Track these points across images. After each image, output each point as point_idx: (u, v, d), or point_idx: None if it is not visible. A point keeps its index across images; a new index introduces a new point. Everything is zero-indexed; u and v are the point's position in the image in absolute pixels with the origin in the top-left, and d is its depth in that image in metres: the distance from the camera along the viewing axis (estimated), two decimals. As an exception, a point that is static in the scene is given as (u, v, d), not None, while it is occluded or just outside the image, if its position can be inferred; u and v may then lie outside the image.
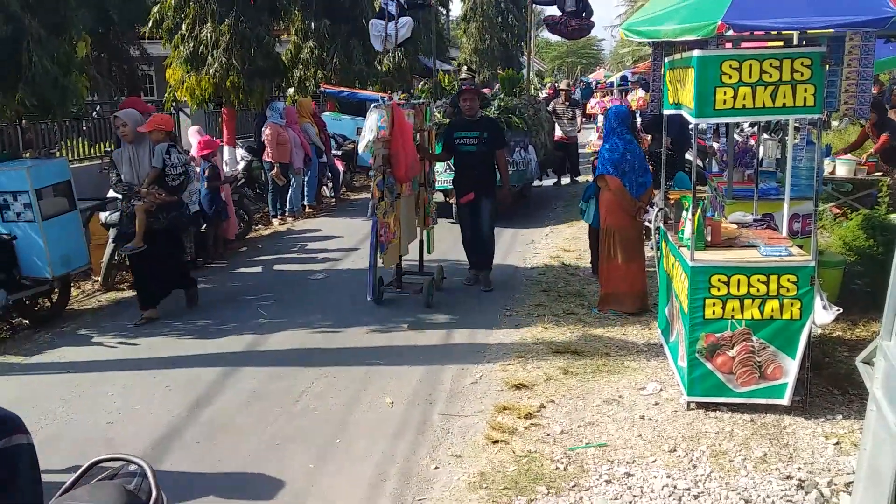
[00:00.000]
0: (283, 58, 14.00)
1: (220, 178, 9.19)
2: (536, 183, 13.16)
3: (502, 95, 11.99)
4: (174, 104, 12.91)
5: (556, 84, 21.02)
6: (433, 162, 7.90)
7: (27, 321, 6.97)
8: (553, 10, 13.73)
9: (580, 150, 15.77)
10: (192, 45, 10.88)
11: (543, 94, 19.45)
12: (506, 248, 9.35)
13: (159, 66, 18.28)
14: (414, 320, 6.74)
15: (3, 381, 5.62)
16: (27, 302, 6.95)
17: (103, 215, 8.12)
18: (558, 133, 14.39)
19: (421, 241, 7.72)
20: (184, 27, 10.88)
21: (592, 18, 13.15)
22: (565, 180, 15.19)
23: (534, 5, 14.80)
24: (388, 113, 6.36)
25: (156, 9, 11.21)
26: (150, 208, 6.56)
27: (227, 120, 12.07)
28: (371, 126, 6.25)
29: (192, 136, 9.41)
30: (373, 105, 6.50)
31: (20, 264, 6.77)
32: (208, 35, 10.75)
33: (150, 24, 11.21)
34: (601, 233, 6.82)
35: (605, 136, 6.87)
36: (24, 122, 10.36)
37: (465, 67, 13.68)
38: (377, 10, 14.52)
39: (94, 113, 15.19)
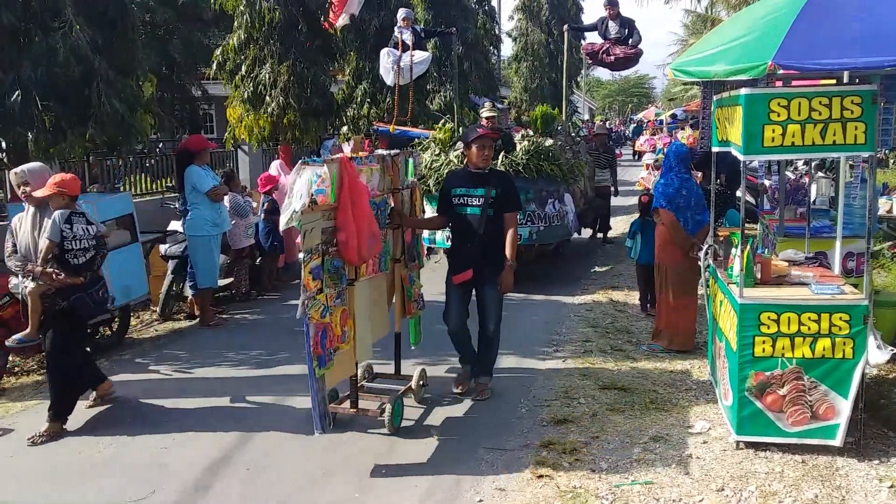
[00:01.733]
0: (338, 97, 14.36)
1: (278, 213, 9.48)
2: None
3: (531, 135, 10.00)
4: (234, 142, 13.34)
5: (600, 125, 18.70)
6: (419, 231, 6.16)
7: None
8: (594, 37, 12.26)
9: (619, 200, 14.21)
10: (251, 85, 11.27)
11: (584, 132, 17.75)
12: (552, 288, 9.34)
13: (219, 105, 18.95)
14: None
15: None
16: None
17: (163, 247, 8.47)
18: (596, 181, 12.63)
19: (398, 335, 5.84)
20: (244, 68, 11.29)
21: (641, 46, 11.48)
22: (599, 234, 13.28)
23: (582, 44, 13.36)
24: (334, 171, 4.46)
25: (218, 51, 11.67)
26: (46, 291, 5.32)
27: (282, 157, 12.42)
28: (300, 190, 4.32)
29: (273, 171, 10.53)
30: (302, 160, 4.55)
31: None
32: (267, 76, 11.13)
33: (213, 65, 11.66)
34: (655, 268, 6.82)
35: (662, 173, 6.92)
36: (91, 158, 10.86)
37: (488, 103, 10.71)
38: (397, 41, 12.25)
39: (158, 150, 15.80)
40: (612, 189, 13.08)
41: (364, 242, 4.69)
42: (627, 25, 11.37)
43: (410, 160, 5.81)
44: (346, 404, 5.17)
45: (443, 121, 11.70)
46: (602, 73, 73.25)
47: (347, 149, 4.80)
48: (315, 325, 4.39)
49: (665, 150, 9.34)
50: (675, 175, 6.62)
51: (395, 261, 5.66)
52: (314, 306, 4.38)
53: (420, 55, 11.82)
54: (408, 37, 11.67)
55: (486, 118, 9.22)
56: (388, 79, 12.08)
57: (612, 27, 11.36)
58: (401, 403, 5.27)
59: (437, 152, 9.57)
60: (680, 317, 6.63)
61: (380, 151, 5.24)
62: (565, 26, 12.44)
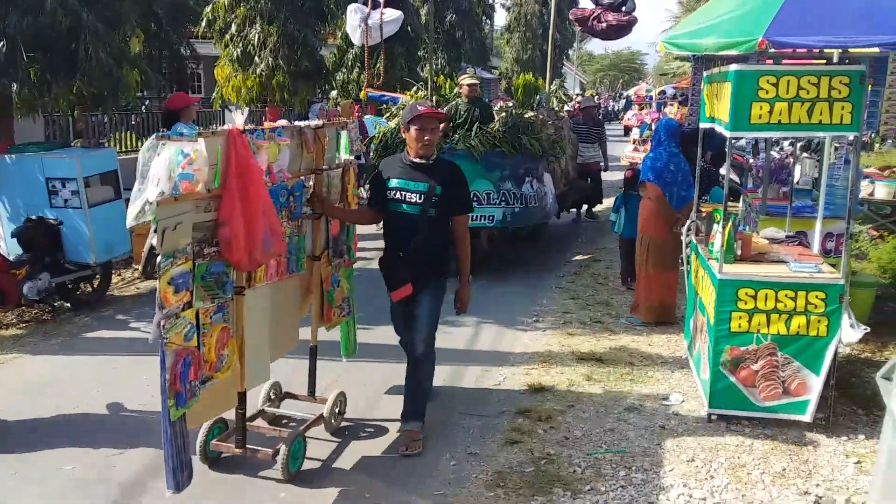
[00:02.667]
0: (328, 60, 14.23)
1: None
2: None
3: (510, 106, 9.58)
4: (221, 102, 13.21)
5: (588, 97, 16.95)
6: (348, 222, 4.87)
7: (68, 304, 7.20)
8: (586, 2, 11.64)
9: (610, 178, 13.46)
10: (240, 44, 11.15)
11: (568, 107, 16.60)
12: (535, 267, 9.38)
13: (208, 64, 18.73)
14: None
15: (43, 361, 5.84)
16: (69, 286, 7.18)
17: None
18: (580, 159, 11.70)
19: (313, 349, 4.72)
20: (234, 27, 11.16)
21: (635, 14, 10.70)
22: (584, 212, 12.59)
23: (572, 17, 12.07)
24: (218, 148, 3.40)
25: (208, 8, 11.52)
26: None
27: (270, 119, 12.32)
28: (158, 173, 3.34)
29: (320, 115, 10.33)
30: (158, 134, 3.51)
31: (65, 249, 7.01)
32: (257, 36, 11.01)
33: (202, 23, 11.51)
34: (637, 241, 6.86)
35: (652, 147, 6.93)
36: (76, 112, 10.72)
37: (470, 69, 10.08)
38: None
39: (143, 107, 15.62)
40: (602, 165, 12.23)
41: (257, 241, 3.56)
42: None
43: (344, 134, 4.77)
44: (233, 441, 4.02)
45: (416, 87, 11.14)
46: (594, 47, 72.97)
47: (240, 119, 3.69)
48: (174, 352, 3.25)
49: (653, 125, 9.35)
50: (664, 150, 6.62)
51: (314, 258, 4.56)
52: (175, 327, 3.25)
53: (391, 13, 11.09)
54: None
55: (468, 85, 8.69)
56: (356, 38, 11.38)
57: None
58: (301, 443, 4.14)
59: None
60: (659, 291, 6.68)
61: (298, 123, 4.27)
62: None
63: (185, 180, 3.34)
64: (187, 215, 3.29)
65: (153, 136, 3.42)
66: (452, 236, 4.42)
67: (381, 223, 4.57)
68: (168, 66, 18.98)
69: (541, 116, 9.33)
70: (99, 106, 9.05)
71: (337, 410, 4.65)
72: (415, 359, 4.46)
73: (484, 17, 23.96)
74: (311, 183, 4.44)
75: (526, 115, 8.86)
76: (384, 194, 4.38)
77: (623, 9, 10.60)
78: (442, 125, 8.62)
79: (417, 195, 4.28)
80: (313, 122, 4.39)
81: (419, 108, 4.31)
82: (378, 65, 12.49)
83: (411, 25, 15.88)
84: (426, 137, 4.26)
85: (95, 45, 7.55)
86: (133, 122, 13.81)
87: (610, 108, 43.12)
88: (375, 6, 10.89)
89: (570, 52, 43.07)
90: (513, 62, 29.05)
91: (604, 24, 10.54)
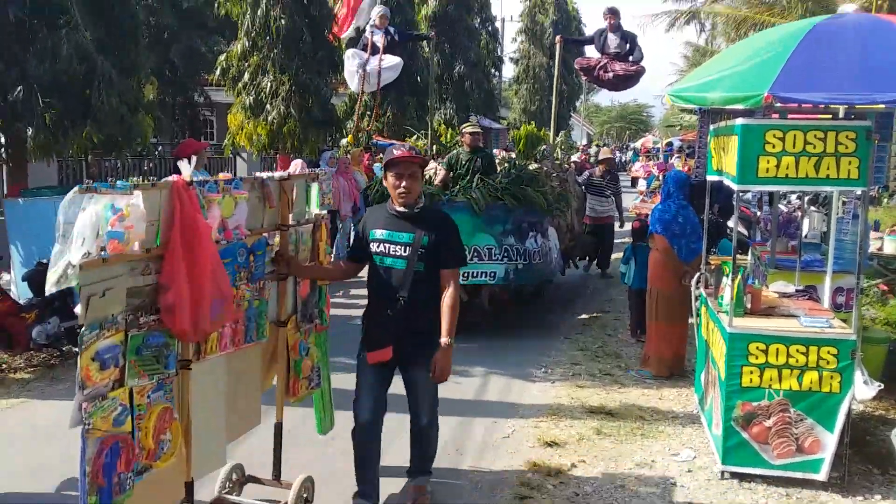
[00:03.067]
0: (339, 109, 14.43)
1: None
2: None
3: (513, 157, 9.52)
4: (233, 149, 13.38)
5: (591, 148, 16.78)
6: (320, 280, 4.37)
7: (77, 349, 7.18)
8: (592, 51, 11.00)
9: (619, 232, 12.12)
10: (253, 92, 11.32)
11: (575, 158, 16.05)
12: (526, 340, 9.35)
13: (221, 112, 19.02)
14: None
15: (51, 406, 5.81)
16: (77, 329, 7.16)
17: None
18: (589, 212, 11.25)
19: (278, 425, 4.16)
20: (246, 76, 11.35)
21: (643, 64, 10.24)
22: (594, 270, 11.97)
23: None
24: (157, 202, 3.03)
25: (222, 57, 11.73)
26: None
27: (281, 166, 12.44)
28: (83, 231, 2.88)
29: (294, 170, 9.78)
30: (81, 186, 2.90)
31: (74, 293, 7.01)
32: (269, 84, 11.19)
33: (217, 71, 11.72)
34: (647, 293, 6.83)
35: (661, 199, 6.96)
36: (89, 157, 10.86)
37: (473, 118, 9.80)
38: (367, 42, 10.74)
39: (157, 152, 15.82)
40: (617, 218, 11.73)
41: (204, 308, 3.14)
42: (629, 39, 10.13)
43: (315, 186, 4.28)
44: None
45: (415, 135, 10.98)
46: (601, 98, 73.96)
47: (187, 170, 3.34)
48: (98, 441, 2.81)
49: (661, 176, 9.40)
50: (673, 202, 6.65)
51: (280, 324, 4.03)
52: (101, 410, 2.82)
53: (390, 60, 10.55)
54: (379, 38, 10.48)
55: (470, 134, 8.59)
56: (353, 84, 10.85)
57: (612, 40, 10.10)
58: None
59: None
60: (669, 344, 6.64)
61: (259, 174, 3.87)
62: (558, 37, 11.21)
63: (113, 239, 2.85)
64: (119, 279, 2.86)
65: (76, 187, 2.85)
66: (442, 292, 3.92)
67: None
68: (181, 113, 19.30)
69: (545, 168, 9.05)
70: (112, 151, 9.17)
71: (305, 497, 4.01)
72: (421, 431, 4.17)
73: (492, 69, 24.32)
74: (276, 240, 3.96)
75: (530, 167, 8.57)
76: (367, 246, 4.00)
77: (630, 58, 10.09)
78: (440, 175, 8.40)
79: (402, 247, 3.89)
80: (277, 174, 3.98)
81: (395, 151, 3.97)
82: (371, 113, 12.61)
83: (421, 76, 16.14)
84: (403, 184, 3.85)
85: (109, 91, 7.68)
86: (146, 168, 13.98)
87: (617, 159, 43.54)
88: (375, 52, 10.47)
89: (577, 103, 43.59)
90: (521, 113, 29.42)
91: (610, 74, 10.01)
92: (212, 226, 3.25)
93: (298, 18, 11.04)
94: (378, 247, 3.96)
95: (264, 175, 3.90)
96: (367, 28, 10.44)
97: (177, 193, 3.06)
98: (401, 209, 3.93)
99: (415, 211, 3.93)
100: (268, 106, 11.28)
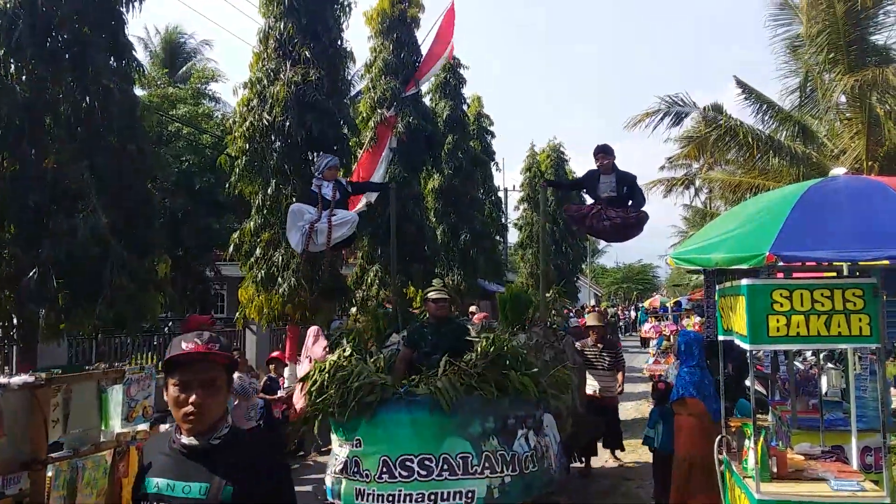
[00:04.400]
0: (349, 279, 14.69)
1: (272, 391, 9.56)
2: None
3: (496, 330, 7.13)
4: (243, 322, 13.49)
5: (595, 313, 14.29)
6: None
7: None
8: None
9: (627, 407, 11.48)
10: (264, 266, 11.58)
11: (574, 320, 14.81)
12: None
13: (231, 285, 19.35)
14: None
15: None
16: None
17: (163, 427, 8.28)
18: (589, 390, 9.21)
19: None
20: (258, 251, 11.66)
21: (644, 209, 8.31)
22: (598, 459, 9.63)
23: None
24: None
25: (235, 234, 12.12)
26: None
27: (290, 337, 12.48)
28: None
29: (310, 339, 9.24)
30: None
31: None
32: (280, 258, 11.47)
33: (231, 248, 12.07)
34: (677, 461, 6.41)
35: (684, 362, 6.75)
36: (99, 335, 10.94)
37: (437, 281, 7.39)
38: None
39: (166, 328, 15.95)
40: (619, 391, 9.95)
41: None
42: (626, 182, 8.23)
43: (116, 390, 2.97)
44: None
45: (385, 299, 9.89)
46: (607, 260, 75.19)
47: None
48: None
49: (672, 337, 9.33)
50: (697, 364, 6.53)
51: None
52: None
53: (342, 215, 8.65)
54: (329, 191, 8.61)
55: (434, 301, 6.60)
56: (295, 242, 8.61)
57: (606, 183, 8.22)
58: None
59: (346, 352, 6.32)
60: None
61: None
62: (542, 181, 9.80)
63: None
64: None
65: None
66: None
67: None
68: (191, 289, 19.64)
69: (535, 338, 7.15)
70: (122, 329, 9.24)
71: None
72: None
73: (497, 236, 24.99)
74: (25, 484, 2.53)
75: (514, 342, 6.37)
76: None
77: (630, 203, 8.23)
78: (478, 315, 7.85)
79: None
80: (17, 380, 2.62)
81: (182, 345, 2.45)
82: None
83: (428, 245, 16.53)
84: (192, 398, 2.39)
85: (121, 271, 7.86)
86: (154, 343, 14.02)
87: (629, 319, 43.47)
88: (325, 207, 8.55)
89: (583, 265, 44.34)
90: (527, 276, 29.87)
91: (606, 223, 8.20)
92: None
93: (308, 195, 11.49)
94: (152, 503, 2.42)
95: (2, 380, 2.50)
96: (314, 181, 8.83)
97: None
98: (188, 441, 2.43)
99: (211, 443, 2.44)
100: (279, 279, 11.50)
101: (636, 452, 9.87)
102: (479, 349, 6.00)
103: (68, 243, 7.57)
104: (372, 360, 6.25)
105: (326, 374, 5.93)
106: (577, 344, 9.41)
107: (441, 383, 5.61)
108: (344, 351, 6.36)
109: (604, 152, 8.24)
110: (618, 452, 10.02)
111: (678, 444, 6.49)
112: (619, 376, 9.79)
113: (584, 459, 9.21)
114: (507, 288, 8.20)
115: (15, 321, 8.65)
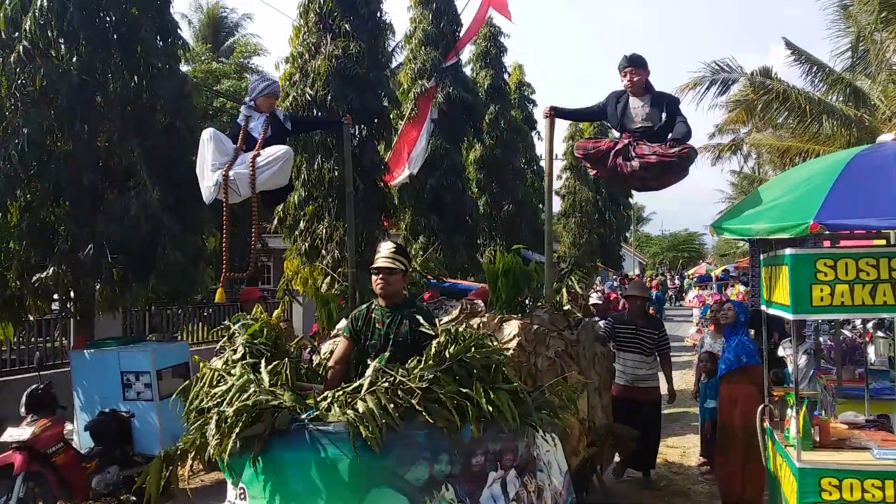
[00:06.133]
0: (391, 251, 14.85)
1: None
2: None
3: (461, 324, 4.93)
4: (286, 292, 13.77)
5: (636, 281, 11.69)
6: None
7: (134, 498, 7.19)
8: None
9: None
10: (308, 239, 11.78)
11: (597, 297, 12.71)
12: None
13: (277, 257, 19.71)
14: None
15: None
16: (136, 478, 7.21)
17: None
18: (619, 379, 7.18)
19: None
20: (302, 224, 11.85)
21: (691, 143, 5.89)
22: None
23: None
24: None
25: (279, 208, 12.33)
26: None
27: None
28: None
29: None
30: None
31: (134, 441, 7.13)
32: (324, 231, 11.65)
33: (275, 221, 12.30)
34: (735, 430, 6.29)
35: (738, 332, 6.54)
36: (152, 307, 11.29)
37: (388, 243, 4.70)
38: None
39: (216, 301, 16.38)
40: (668, 393, 7.47)
41: None
42: (664, 107, 5.91)
43: None
44: None
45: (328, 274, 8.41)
46: (652, 228, 74.15)
47: None
48: None
49: (713, 306, 9.19)
50: (745, 334, 6.48)
51: None
52: None
53: (270, 153, 6.09)
54: (258, 126, 6.28)
55: (377, 272, 4.45)
56: (207, 193, 6.23)
57: (636, 108, 5.93)
58: None
59: (233, 357, 4.31)
60: (760, 483, 6.06)
61: None
62: (546, 108, 6.36)
63: None
64: None
65: None
66: None
67: None
68: (240, 261, 20.09)
69: (535, 325, 5.32)
70: (174, 301, 9.55)
71: None
72: None
73: (540, 205, 24.84)
74: None
75: (500, 337, 4.85)
76: None
77: (669, 136, 5.81)
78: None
79: None
80: None
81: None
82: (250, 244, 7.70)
83: (471, 215, 16.56)
84: None
85: (172, 246, 8.11)
86: (205, 314, 14.42)
87: (671, 288, 42.72)
88: (250, 146, 6.15)
89: (627, 234, 43.88)
90: (570, 246, 29.71)
91: (635, 163, 5.78)
92: None
93: (351, 169, 11.60)
94: None
95: None
96: (242, 110, 6.46)
97: None
98: None
99: None
100: (323, 251, 11.69)
101: (680, 421, 9.84)
102: (429, 351, 3.89)
103: (121, 220, 7.82)
104: (271, 367, 4.03)
105: (206, 389, 4.10)
106: (609, 318, 7.83)
107: (364, 405, 3.61)
108: (234, 353, 4.29)
109: (634, 65, 5.89)
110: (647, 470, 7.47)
111: (733, 414, 6.36)
112: (668, 381, 7.38)
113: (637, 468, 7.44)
114: (499, 259, 5.86)
115: (72, 295, 9.00)
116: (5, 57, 7.80)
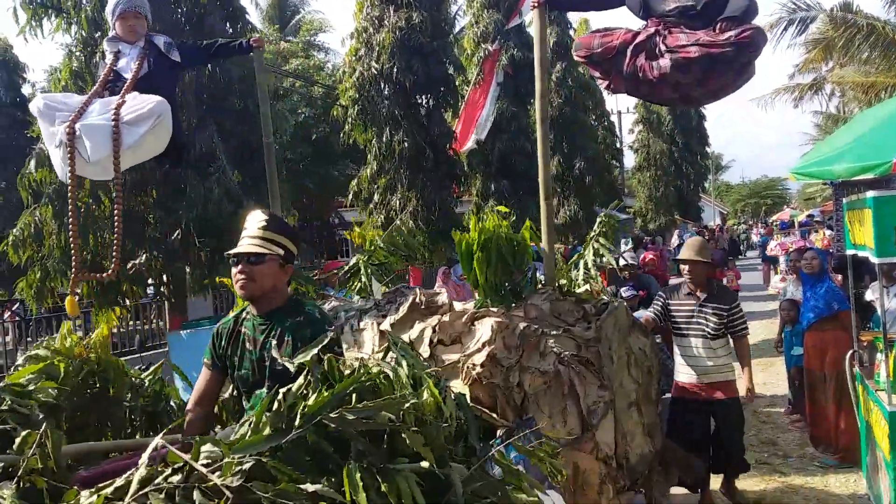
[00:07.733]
0: (467, 218, 14.96)
1: None
2: None
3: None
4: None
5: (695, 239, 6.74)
6: None
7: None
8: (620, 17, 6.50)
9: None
10: (383, 211, 12.03)
11: (626, 258, 9.65)
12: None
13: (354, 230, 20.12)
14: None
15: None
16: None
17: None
18: (681, 376, 5.34)
19: None
20: (376, 196, 12.10)
21: (755, 24, 4.06)
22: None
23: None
24: None
25: (353, 182, 12.60)
26: None
27: (412, 276, 12.96)
28: None
29: (438, 280, 10.03)
30: None
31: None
32: (398, 201, 11.87)
33: (350, 195, 12.60)
34: (826, 377, 6.27)
35: (822, 279, 6.44)
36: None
37: (256, 213, 3.04)
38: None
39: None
40: (746, 391, 5.32)
41: None
42: None
43: None
44: None
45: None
46: (731, 177, 71.72)
47: None
48: None
49: (793, 254, 8.88)
50: (828, 280, 6.37)
51: None
52: None
53: (136, 104, 4.07)
54: (129, 62, 4.36)
55: (234, 262, 3.00)
56: (59, 169, 4.19)
57: None
58: None
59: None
60: (854, 427, 6.03)
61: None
62: None
63: None
64: None
65: None
66: None
67: None
68: (318, 235, 20.55)
69: (523, 323, 3.79)
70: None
71: None
72: None
73: (613, 161, 24.47)
74: None
75: (395, 382, 2.14)
76: None
77: (724, 13, 4.01)
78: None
79: None
80: None
81: None
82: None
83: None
84: None
85: (254, 226, 8.44)
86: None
87: (745, 239, 39.54)
88: (115, 89, 4.22)
89: (706, 184, 42.70)
90: (646, 200, 29.22)
91: (667, 61, 4.02)
92: None
93: (420, 139, 11.73)
94: None
95: None
96: (106, 44, 4.61)
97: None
98: None
99: None
100: (397, 221, 11.91)
101: (768, 371, 9.68)
102: (275, 408, 2.00)
103: (205, 205, 8.17)
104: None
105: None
106: (661, 295, 5.60)
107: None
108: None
109: None
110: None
111: (824, 361, 6.30)
112: (746, 374, 5.29)
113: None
114: (474, 225, 4.21)
115: (165, 279, 9.48)
116: (88, 56, 8.19)
